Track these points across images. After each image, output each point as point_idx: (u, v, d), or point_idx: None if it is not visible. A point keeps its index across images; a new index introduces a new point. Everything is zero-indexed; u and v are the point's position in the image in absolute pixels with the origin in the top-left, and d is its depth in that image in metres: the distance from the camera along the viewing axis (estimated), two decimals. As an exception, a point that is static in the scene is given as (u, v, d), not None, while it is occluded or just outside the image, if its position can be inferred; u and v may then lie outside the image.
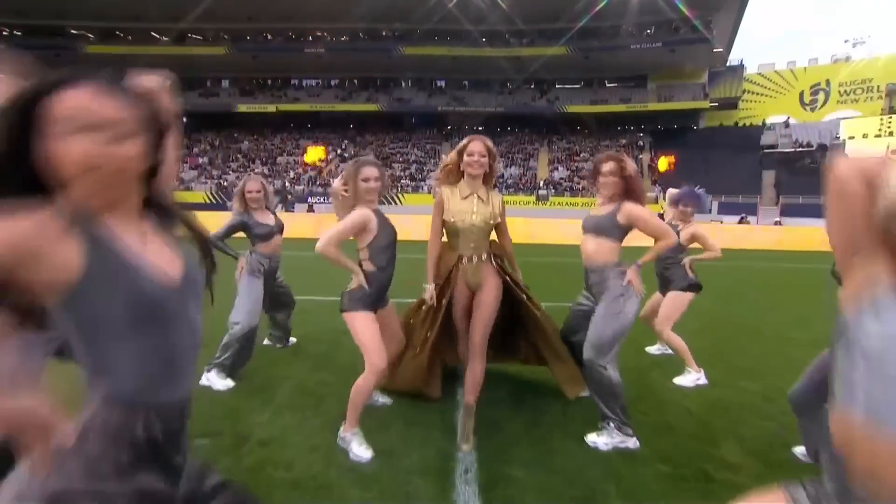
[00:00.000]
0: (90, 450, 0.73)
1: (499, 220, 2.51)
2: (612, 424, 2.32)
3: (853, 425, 0.74)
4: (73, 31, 34.77)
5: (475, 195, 2.44)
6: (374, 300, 2.35)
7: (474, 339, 2.43)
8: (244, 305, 3.04)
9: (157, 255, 0.81)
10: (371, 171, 2.30)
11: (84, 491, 0.71)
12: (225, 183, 28.94)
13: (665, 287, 3.40)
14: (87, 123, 0.69)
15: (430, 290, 2.46)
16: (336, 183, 2.39)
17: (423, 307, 2.62)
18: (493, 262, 2.53)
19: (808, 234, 15.17)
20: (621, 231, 2.41)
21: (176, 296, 0.81)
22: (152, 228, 0.85)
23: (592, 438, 2.35)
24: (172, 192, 0.96)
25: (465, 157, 2.40)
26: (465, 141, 2.46)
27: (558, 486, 2.00)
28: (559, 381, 2.85)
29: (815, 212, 23.41)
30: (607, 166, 2.42)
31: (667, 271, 3.36)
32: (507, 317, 2.75)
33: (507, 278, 2.58)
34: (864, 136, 27.05)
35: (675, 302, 3.27)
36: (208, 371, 2.93)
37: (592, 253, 2.46)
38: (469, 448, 2.27)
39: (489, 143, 2.45)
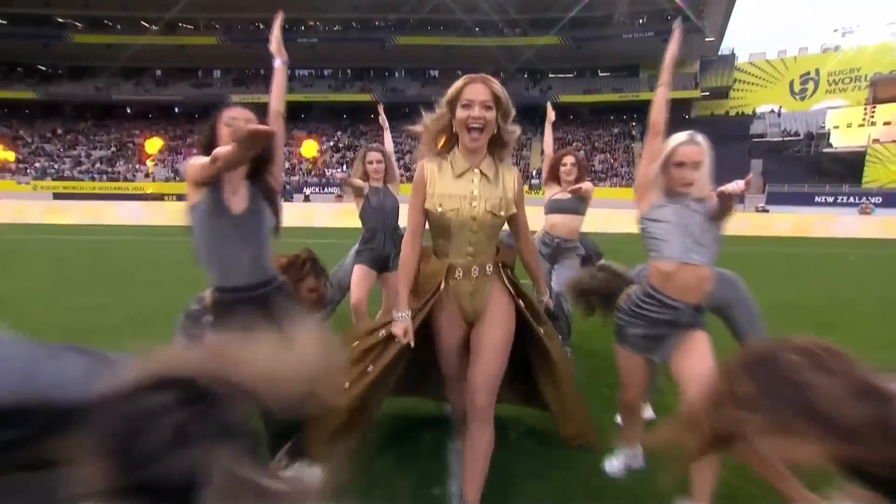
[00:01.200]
0: None
1: (514, 210, 1.65)
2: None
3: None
4: (59, 20, 34.30)
5: (476, 171, 1.59)
6: (369, 259, 2.92)
7: (477, 400, 1.58)
8: None
9: (237, 200, 1.51)
10: (374, 156, 2.77)
11: None
12: (219, 174, 28.98)
13: None
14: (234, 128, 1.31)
15: (402, 323, 1.61)
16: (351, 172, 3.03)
17: (378, 335, 1.71)
18: (504, 275, 1.68)
19: (789, 220, 15.62)
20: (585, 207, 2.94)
21: (239, 221, 1.49)
22: (246, 185, 1.54)
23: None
24: (280, 171, 1.69)
25: (459, 111, 1.52)
26: (458, 83, 1.54)
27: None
28: (561, 430, 2.06)
29: (799, 199, 23.98)
30: (570, 159, 2.97)
31: None
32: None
33: (522, 302, 1.72)
34: (849, 125, 27.57)
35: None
36: None
37: (572, 230, 2.88)
38: None
39: (496, 85, 1.53)
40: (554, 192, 3.03)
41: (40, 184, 26.03)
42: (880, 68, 32.90)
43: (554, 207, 2.98)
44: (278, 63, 1.72)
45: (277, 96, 1.72)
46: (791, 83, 37.74)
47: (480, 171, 1.59)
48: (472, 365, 1.63)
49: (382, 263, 2.91)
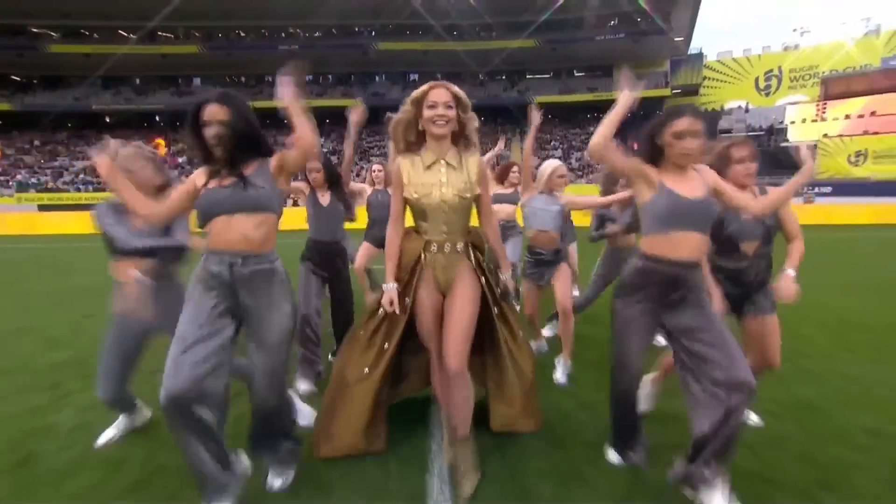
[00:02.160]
0: None
1: (478, 191, 1.89)
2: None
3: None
4: (34, 30, 34.00)
5: (442, 162, 1.86)
6: (372, 239, 3.89)
7: (451, 362, 1.79)
8: None
9: (324, 198, 2.98)
10: (376, 166, 3.79)
11: None
12: (205, 181, 29.20)
13: None
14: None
15: (389, 292, 1.88)
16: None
17: (378, 314, 1.98)
18: (471, 255, 1.95)
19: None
20: None
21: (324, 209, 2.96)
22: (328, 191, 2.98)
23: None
24: (349, 173, 3.06)
25: (426, 111, 1.80)
26: (423, 87, 1.83)
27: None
28: (491, 415, 2.17)
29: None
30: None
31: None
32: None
33: (484, 280, 1.96)
34: (803, 120, 29.29)
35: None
36: None
37: (509, 214, 3.95)
38: (471, 490, 1.76)
39: (455, 88, 1.83)
40: (496, 189, 4.06)
41: (24, 196, 25.95)
42: (835, 65, 34.87)
43: (497, 199, 3.90)
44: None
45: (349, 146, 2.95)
46: (756, 80, 39.49)
47: (446, 162, 1.86)
48: (444, 331, 1.84)
49: (381, 241, 3.82)
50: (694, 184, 1.72)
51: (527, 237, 3.05)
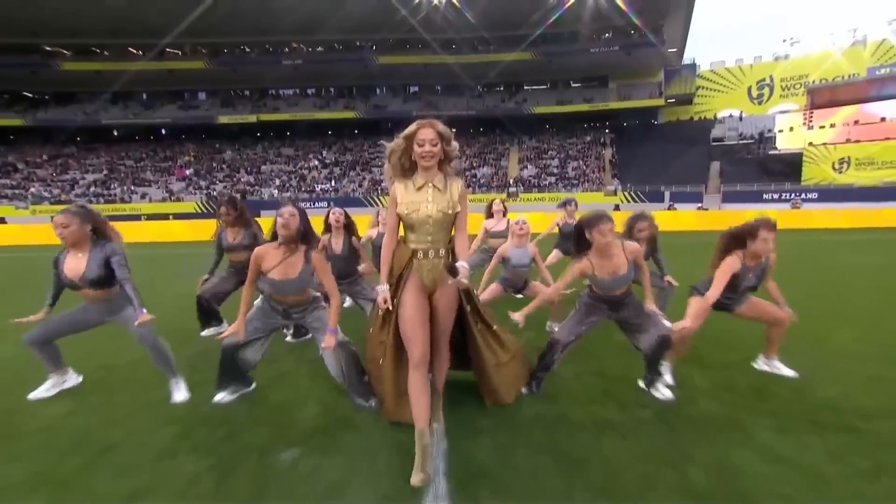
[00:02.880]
0: None
1: (458, 209, 2.27)
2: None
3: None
4: (47, 49, 35.18)
5: (430, 185, 2.24)
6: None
7: (437, 346, 2.39)
8: None
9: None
10: (383, 211, 4.44)
11: None
12: (214, 192, 30.09)
13: None
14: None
15: (383, 293, 2.29)
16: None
17: (379, 312, 2.39)
18: (450, 259, 2.32)
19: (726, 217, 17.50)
20: None
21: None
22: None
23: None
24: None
25: (416, 148, 2.19)
26: (412, 127, 2.21)
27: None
28: (480, 390, 2.76)
29: (749, 197, 26.23)
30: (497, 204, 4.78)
31: None
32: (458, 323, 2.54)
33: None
34: (791, 129, 30.08)
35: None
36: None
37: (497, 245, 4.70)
38: (439, 426, 2.44)
39: (440, 126, 2.21)
40: (491, 225, 5.00)
41: (38, 208, 26.85)
42: (823, 74, 35.77)
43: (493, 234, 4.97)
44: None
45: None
46: (749, 89, 40.39)
47: (433, 185, 2.24)
48: (432, 323, 2.33)
49: None
50: (617, 261, 2.76)
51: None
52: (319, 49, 36.84)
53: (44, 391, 2.96)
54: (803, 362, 3.19)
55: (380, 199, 28.54)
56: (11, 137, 36.05)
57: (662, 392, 2.81)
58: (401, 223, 2.33)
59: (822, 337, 3.87)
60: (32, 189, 29.76)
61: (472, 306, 2.56)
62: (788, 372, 3.08)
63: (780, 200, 25.54)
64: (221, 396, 2.83)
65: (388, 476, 2.09)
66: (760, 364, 3.20)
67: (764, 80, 39.83)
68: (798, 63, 37.72)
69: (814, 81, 35.55)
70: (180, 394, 2.90)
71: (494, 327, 2.68)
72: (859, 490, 1.94)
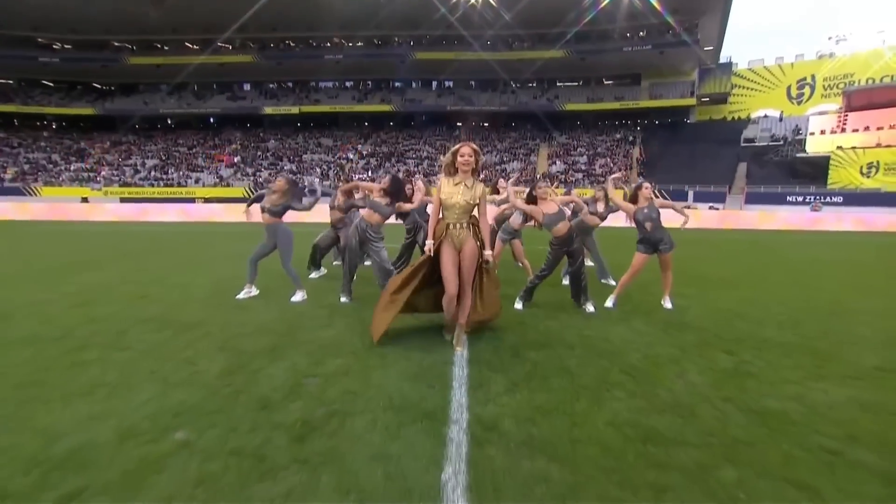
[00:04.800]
0: None
1: (478, 201, 3.34)
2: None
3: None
4: (116, 44, 38.56)
5: (463, 183, 3.31)
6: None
7: (463, 281, 3.36)
8: None
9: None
10: (417, 182, 5.76)
11: None
12: (260, 178, 32.57)
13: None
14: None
15: (429, 244, 3.36)
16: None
17: (422, 258, 3.49)
18: (473, 230, 3.38)
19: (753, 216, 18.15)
20: None
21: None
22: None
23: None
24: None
25: (458, 158, 3.27)
26: (456, 146, 3.32)
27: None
28: (480, 314, 3.69)
29: (773, 199, 26.35)
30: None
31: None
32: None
33: (479, 244, 3.39)
34: (822, 132, 29.64)
35: None
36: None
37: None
38: (461, 350, 3.28)
39: (474, 146, 3.29)
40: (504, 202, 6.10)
41: (110, 190, 30.02)
42: (873, 74, 34.71)
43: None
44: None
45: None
46: (788, 88, 39.55)
47: (464, 184, 3.33)
48: (459, 267, 3.37)
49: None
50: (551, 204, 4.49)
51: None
52: (359, 44, 38.66)
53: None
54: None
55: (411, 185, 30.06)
56: (82, 125, 39.86)
57: (588, 308, 4.48)
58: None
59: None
60: (104, 172, 33.07)
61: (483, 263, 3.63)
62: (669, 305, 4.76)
63: (803, 203, 25.65)
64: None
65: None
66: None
67: (805, 79, 38.89)
68: (844, 62, 36.67)
69: (859, 82, 34.64)
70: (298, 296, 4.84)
71: (484, 288, 3.69)
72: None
